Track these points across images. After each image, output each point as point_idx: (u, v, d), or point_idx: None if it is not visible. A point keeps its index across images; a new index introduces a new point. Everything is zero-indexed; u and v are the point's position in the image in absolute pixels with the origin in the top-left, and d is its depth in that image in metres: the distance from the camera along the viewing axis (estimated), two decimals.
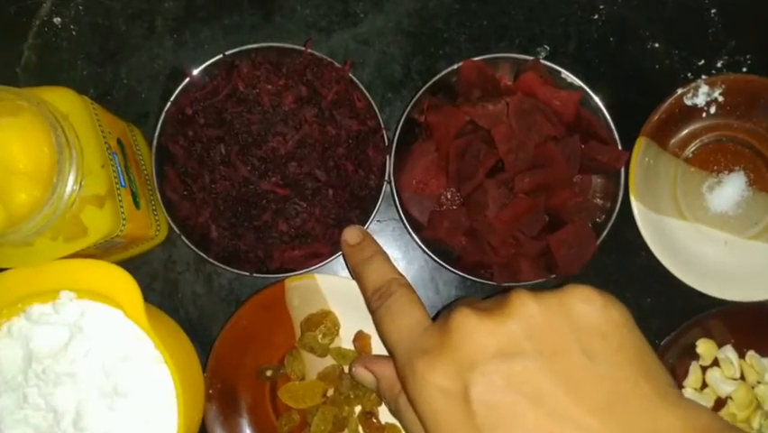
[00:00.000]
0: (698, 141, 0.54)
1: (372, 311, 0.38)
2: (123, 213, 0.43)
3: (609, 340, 0.29)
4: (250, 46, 0.49)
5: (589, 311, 0.29)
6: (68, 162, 0.38)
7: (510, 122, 0.46)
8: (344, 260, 0.46)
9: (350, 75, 0.49)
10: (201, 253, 0.48)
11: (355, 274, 0.43)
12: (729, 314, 0.51)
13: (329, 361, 0.50)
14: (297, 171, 0.46)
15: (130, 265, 0.51)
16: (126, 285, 0.42)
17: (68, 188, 0.38)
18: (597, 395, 0.27)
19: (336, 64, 0.49)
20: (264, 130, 0.46)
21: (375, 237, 0.45)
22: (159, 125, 0.49)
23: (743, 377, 0.52)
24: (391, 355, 0.35)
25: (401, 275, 0.40)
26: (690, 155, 0.54)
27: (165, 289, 0.53)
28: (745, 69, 0.55)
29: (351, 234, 0.45)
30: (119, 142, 0.47)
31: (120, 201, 0.43)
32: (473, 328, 0.29)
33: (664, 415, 0.27)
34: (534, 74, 0.48)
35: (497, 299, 0.32)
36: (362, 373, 0.40)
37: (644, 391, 0.28)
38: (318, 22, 0.56)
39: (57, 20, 0.55)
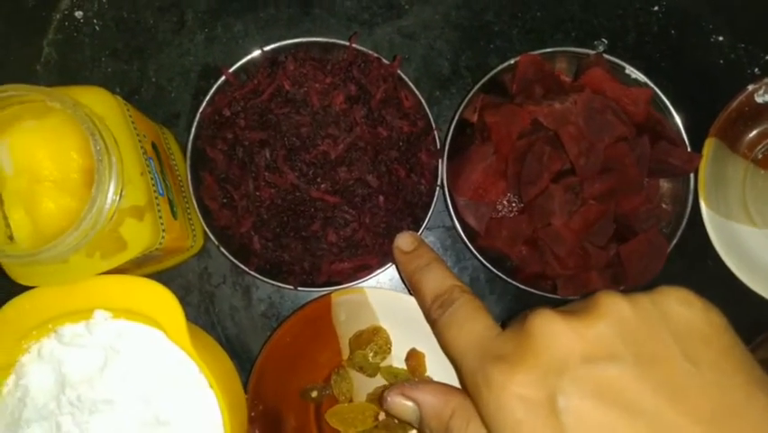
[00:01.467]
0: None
1: (433, 321, 0.35)
2: (162, 224, 0.39)
3: (713, 346, 0.26)
4: (290, 41, 0.46)
5: (688, 314, 0.26)
6: (107, 171, 0.34)
7: (579, 122, 0.42)
8: (397, 269, 0.42)
9: (398, 72, 0.46)
10: (242, 267, 0.44)
11: (411, 283, 0.40)
12: None
13: (379, 381, 0.47)
14: (346, 177, 0.43)
15: (162, 278, 0.47)
16: (167, 303, 0.39)
17: (109, 201, 0.34)
18: (704, 405, 0.24)
19: (384, 60, 0.46)
20: (314, 133, 0.42)
21: None
22: (194, 128, 0.45)
23: None
24: (456, 367, 0.31)
25: (462, 282, 0.36)
26: (760, 156, 0.51)
27: (201, 302, 0.50)
28: None
29: (404, 241, 0.42)
30: (153, 146, 0.43)
31: (159, 211, 0.39)
32: (559, 331, 0.26)
33: None
34: (601, 70, 0.44)
35: (580, 301, 0.29)
36: (399, 403, 0.33)
37: (763, 403, 0.24)
38: (360, 14, 0.52)
39: (79, 13, 0.51)
